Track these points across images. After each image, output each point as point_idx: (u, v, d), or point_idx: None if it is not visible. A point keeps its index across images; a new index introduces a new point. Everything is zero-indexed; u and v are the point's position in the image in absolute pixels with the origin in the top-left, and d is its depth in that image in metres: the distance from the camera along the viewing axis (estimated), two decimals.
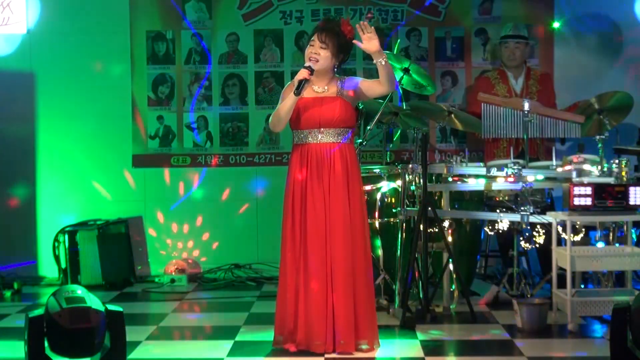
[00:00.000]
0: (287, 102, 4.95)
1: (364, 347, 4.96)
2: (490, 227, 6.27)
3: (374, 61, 4.91)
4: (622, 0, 7.61)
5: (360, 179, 5.09)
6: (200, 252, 7.77)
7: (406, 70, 6.41)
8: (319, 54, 4.95)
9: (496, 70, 7.05)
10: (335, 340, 4.90)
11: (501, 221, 6.05)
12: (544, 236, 6.03)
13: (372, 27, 4.85)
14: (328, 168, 4.96)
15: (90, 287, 6.64)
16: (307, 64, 4.94)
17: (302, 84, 4.89)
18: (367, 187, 6.30)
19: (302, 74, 4.90)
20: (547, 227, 5.95)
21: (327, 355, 4.88)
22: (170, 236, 7.80)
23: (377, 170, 6.38)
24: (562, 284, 5.61)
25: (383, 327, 5.51)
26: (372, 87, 5.03)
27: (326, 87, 5.03)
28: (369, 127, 6.22)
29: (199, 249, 7.78)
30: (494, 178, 6.04)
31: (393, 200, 6.37)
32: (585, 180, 5.69)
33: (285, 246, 5.02)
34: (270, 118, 5.09)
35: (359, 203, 5.03)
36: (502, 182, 6.02)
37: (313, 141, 5.00)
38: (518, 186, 5.95)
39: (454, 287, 6.14)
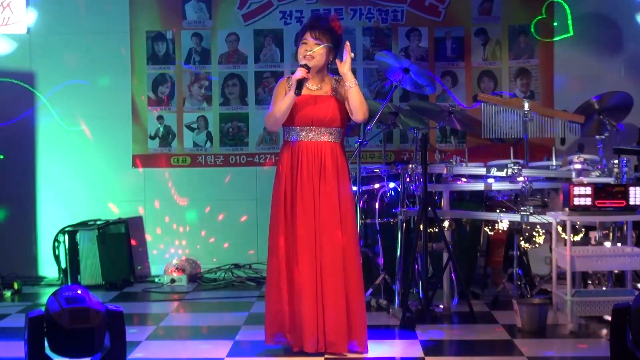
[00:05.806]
0: (285, 101, 4.92)
1: (355, 347, 4.92)
2: (490, 227, 6.27)
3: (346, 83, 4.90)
4: (622, 0, 7.60)
5: (349, 178, 5.06)
6: (200, 252, 7.77)
7: (406, 70, 6.41)
8: (313, 50, 4.94)
9: None
10: (326, 340, 4.86)
11: (501, 221, 6.05)
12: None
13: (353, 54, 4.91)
14: (318, 166, 4.94)
15: (90, 287, 6.67)
16: (302, 62, 4.92)
17: (301, 84, 4.88)
18: (367, 187, 6.30)
19: (300, 72, 4.87)
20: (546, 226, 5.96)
21: (327, 356, 4.88)
22: (170, 236, 7.80)
23: (377, 170, 6.37)
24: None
25: (383, 327, 5.52)
26: (347, 103, 4.98)
27: (320, 85, 5.02)
28: (368, 127, 6.21)
29: (198, 249, 7.78)
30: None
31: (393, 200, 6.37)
32: (585, 180, 5.69)
33: (276, 244, 4.96)
34: (267, 118, 5.05)
35: (349, 201, 5.00)
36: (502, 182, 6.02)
37: (304, 139, 4.98)
38: (518, 186, 5.95)
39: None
